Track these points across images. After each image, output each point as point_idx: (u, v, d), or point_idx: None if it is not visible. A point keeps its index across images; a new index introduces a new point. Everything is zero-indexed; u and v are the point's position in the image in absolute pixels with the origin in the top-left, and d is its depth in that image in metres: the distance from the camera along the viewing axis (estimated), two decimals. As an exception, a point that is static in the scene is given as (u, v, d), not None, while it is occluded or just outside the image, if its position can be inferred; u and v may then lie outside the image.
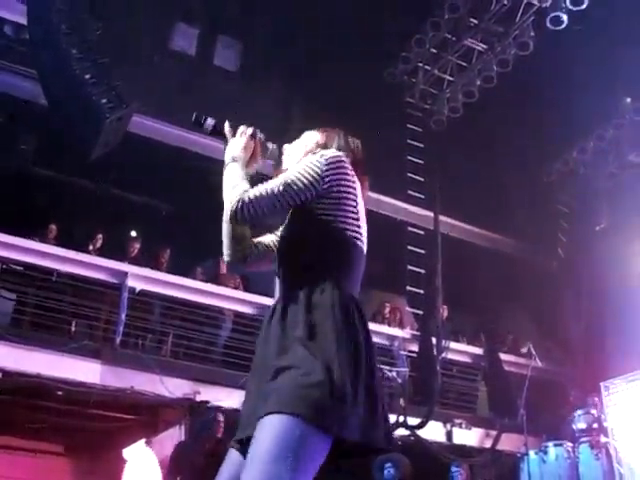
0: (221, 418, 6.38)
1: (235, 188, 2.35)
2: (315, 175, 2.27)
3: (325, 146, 2.47)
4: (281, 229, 2.48)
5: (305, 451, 1.95)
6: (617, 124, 10.42)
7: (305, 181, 2.26)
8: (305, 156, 2.45)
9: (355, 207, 2.32)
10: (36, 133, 9.88)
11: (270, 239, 2.56)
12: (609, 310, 9.96)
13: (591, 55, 8.80)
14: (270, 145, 2.54)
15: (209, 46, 10.31)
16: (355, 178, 2.35)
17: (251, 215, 2.28)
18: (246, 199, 2.28)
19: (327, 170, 2.28)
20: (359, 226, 2.33)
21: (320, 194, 2.27)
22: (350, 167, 2.35)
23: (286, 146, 2.57)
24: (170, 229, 10.94)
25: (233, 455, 2.24)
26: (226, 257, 2.55)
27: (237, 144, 2.47)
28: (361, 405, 2.03)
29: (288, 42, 9.35)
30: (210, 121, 2.55)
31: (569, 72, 9.13)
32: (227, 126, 2.55)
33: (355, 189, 2.33)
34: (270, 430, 1.95)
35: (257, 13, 9.15)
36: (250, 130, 2.51)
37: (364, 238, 2.36)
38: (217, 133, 2.53)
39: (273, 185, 2.28)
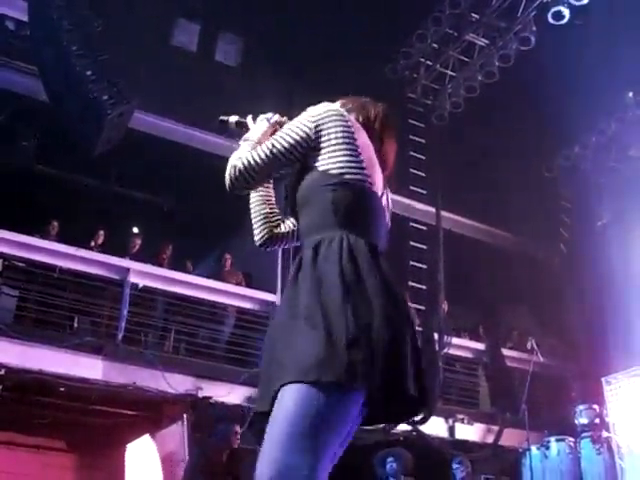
0: (237, 429, 6.20)
1: (229, 160, 2.34)
2: (303, 128, 2.24)
3: None
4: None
5: (325, 418, 1.89)
6: (619, 118, 10.40)
7: (293, 135, 2.23)
8: None
9: (357, 154, 2.23)
10: (38, 130, 9.88)
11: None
12: (611, 305, 9.96)
13: (593, 49, 8.79)
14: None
15: (210, 42, 10.30)
16: (355, 129, 2.27)
17: (246, 179, 2.28)
18: (238, 165, 2.27)
19: (316, 121, 2.24)
20: (367, 173, 2.24)
21: (312, 146, 2.23)
22: (349, 120, 2.29)
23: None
24: (172, 225, 10.95)
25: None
26: (256, 239, 2.55)
27: (256, 128, 2.47)
28: (380, 357, 1.94)
29: (289, 38, 9.34)
30: (233, 117, 2.58)
31: (571, 67, 9.11)
32: (250, 119, 2.55)
33: (355, 139, 2.25)
34: (285, 406, 1.90)
35: (258, 9, 9.13)
36: (270, 115, 2.51)
37: (376, 183, 2.28)
38: (242, 126, 2.55)
39: (262, 147, 2.27)
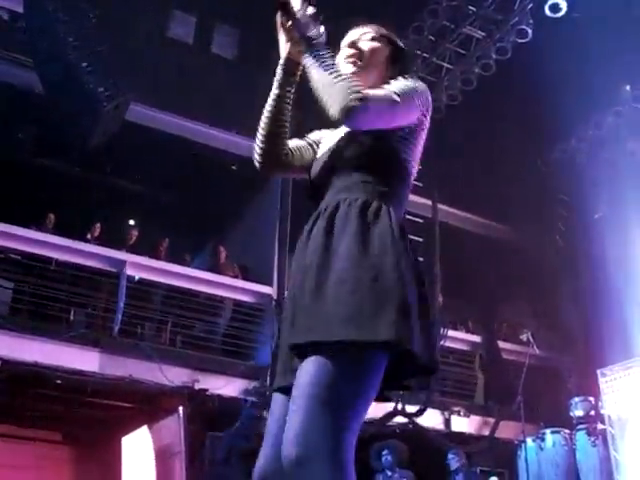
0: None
1: (342, 77, 2.01)
2: (418, 102, 2.15)
3: (396, 68, 2.32)
4: (338, 138, 2.24)
5: (361, 372, 1.82)
6: (616, 112, 10.39)
7: (416, 102, 2.13)
8: (375, 65, 2.28)
9: (420, 149, 2.22)
10: (33, 122, 9.85)
11: (303, 144, 2.35)
12: (607, 298, 9.97)
13: (590, 42, 8.77)
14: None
15: (207, 34, 10.27)
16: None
17: (370, 118, 2.01)
18: (368, 97, 1.97)
19: (422, 104, 2.17)
20: (415, 169, 2.22)
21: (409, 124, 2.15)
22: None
23: (351, 32, 2.39)
24: (168, 218, 10.94)
25: (279, 399, 2.06)
26: (257, 158, 2.31)
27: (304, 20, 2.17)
28: (419, 322, 1.91)
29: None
30: None
31: (568, 60, 9.10)
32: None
33: (423, 139, 2.22)
34: (314, 366, 1.81)
35: (255, 1, 9.09)
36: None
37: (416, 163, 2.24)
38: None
39: (388, 93, 2.05)
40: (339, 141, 2.22)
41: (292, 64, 2.24)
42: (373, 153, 2.13)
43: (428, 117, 2.23)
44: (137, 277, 9.05)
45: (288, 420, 1.81)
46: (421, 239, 10.68)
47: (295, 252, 2.15)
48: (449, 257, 10.57)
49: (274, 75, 2.26)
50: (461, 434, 9.79)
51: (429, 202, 10.94)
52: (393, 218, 2.03)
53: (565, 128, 10.82)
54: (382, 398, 2.05)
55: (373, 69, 2.28)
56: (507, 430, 9.51)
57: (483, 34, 9.56)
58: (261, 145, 2.29)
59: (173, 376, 8.21)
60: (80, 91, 7.83)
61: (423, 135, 2.23)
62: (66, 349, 7.89)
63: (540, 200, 11.52)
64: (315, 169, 2.26)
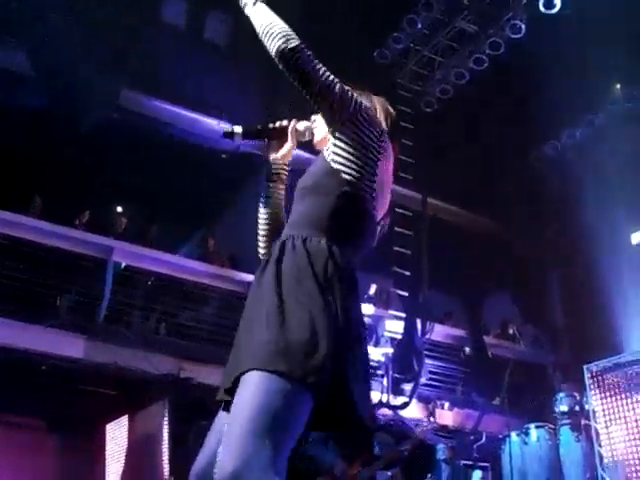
0: None
1: (281, 28, 2.17)
2: (350, 99, 2.18)
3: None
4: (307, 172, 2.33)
5: (287, 411, 1.87)
6: (608, 111, 10.42)
7: (343, 91, 2.17)
8: None
9: (374, 172, 2.21)
10: (23, 105, 9.77)
11: (300, 128, 2.44)
12: (594, 294, 10.02)
13: (581, 40, 8.79)
14: (302, 126, 2.43)
15: (199, 20, 10.20)
16: (385, 143, 2.26)
17: (297, 63, 2.11)
18: (300, 47, 2.13)
19: (362, 117, 2.20)
20: (375, 197, 2.22)
21: (349, 117, 2.17)
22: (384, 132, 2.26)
23: (314, 117, 2.44)
24: (157, 206, 10.90)
25: (221, 416, 2.16)
26: (261, 253, 2.45)
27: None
28: (348, 367, 1.97)
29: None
30: (238, 129, 2.38)
31: (560, 57, 9.12)
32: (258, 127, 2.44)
33: (380, 153, 2.23)
34: (248, 392, 1.88)
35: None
36: (285, 122, 2.42)
37: (378, 210, 2.26)
38: (248, 137, 2.41)
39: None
40: (305, 176, 2.30)
41: (280, 165, 2.44)
42: (320, 182, 2.18)
43: (380, 149, 2.24)
44: (124, 264, 9.01)
45: (224, 441, 1.88)
46: (410, 232, 10.71)
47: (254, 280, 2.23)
48: (437, 251, 10.58)
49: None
50: (445, 427, 9.83)
51: (419, 196, 10.94)
52: (332, 256, 2.07)
53: (556, 125, 10.86)
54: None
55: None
56: (491, 424, 9.55)
57: (476, 29, 9.56)
58: (264, 239, 2.45)
59: (158, 364, 8.19)
60: (71, 75, 7.79)
61: (378, 170, 2.23)
62: (52, 335, 7.85)
63: (530, 196, 11.55)
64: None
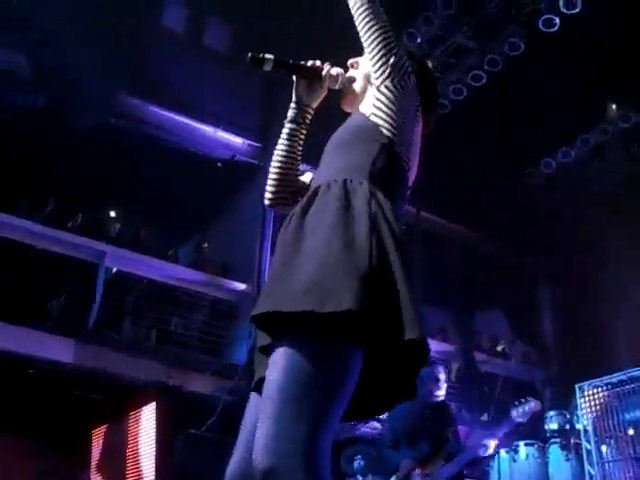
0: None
1: None
2: (404, 63, 2.23)
3: None
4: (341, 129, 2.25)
5: (335, 366, 1.70)
6: (602, 130, 10.45)
7: (399, 54, 2.22)
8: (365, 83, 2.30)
9: (411, 134, 2.20)
10: (18, 106, 9.75)
11: (306, 180, 2.33)
12: (585, 313, 10.03)
13: (577, 59, 8.84)
14: (335, 71, 2.33)
15: (198, 26, 10.19)
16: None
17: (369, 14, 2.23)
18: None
19: (401, 65, 2.22)
20: (409, 154, 2.18)
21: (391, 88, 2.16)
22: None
23: (351, 61, 2.39)
24: (152, 211, 10.87)
25: (254, 397, 1.98)
26: (269, 196, 2.29)
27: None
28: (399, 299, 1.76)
29: (279, 27, 9.26)
30: (269, 56, 2.20)
31: (556, 75, 9.17)
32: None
33: (417, 124, 2.24)
34: (278, 364, 1.70)
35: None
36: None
37: (410, 172, 2.21)
38: (280, 68, 2.24)
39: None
40: (335, 133, 2.24)
41: (305, 107, 2.32)
42: (359, 133, 2.13)
43: (417, 103, 2.25)
44: (115, 269, 8.98)
45: (259, 424, 1.69)
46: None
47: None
48: (429, 265, 10.58)
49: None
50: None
51: (412, 209, 10.95)
52: (374, 196, 1.94)
53: (551, 143, 10.88)
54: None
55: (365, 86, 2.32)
56: (479, 441, 9.51)
57: (475, 45, 9.59)
58: (274, 183, 2.30)
59: (147, 370, 8.15)
60: (68, 79, 7.78)
61: (414, 123, 2.22)
62: (41, 338, 7.81)
63: (523, 213, 11.56)
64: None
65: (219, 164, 10.63)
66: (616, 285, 9.89)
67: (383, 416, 5.74)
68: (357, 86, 2.31)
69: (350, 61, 2.39)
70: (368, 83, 2.26)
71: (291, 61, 2.27)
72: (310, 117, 2.32)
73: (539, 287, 12.59)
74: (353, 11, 2.25)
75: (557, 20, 8.32)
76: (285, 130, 2.31)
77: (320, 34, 8.72)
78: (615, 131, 10.26)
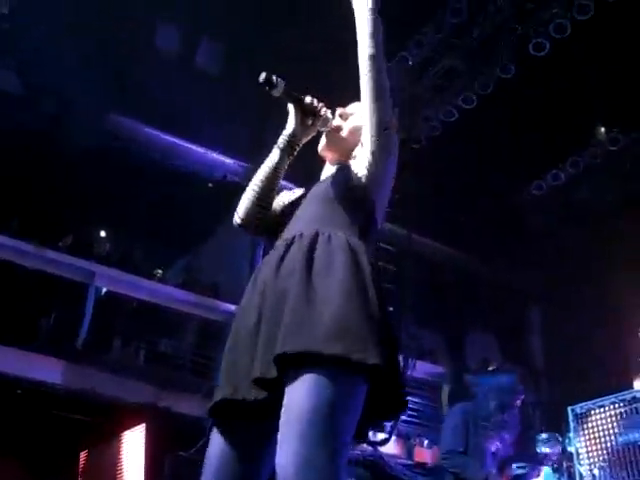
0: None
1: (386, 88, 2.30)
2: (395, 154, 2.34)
3: None
4: (324, 179, 2.39)
5: (350, 402, 1.84)
6: (591, 153, 10.51)
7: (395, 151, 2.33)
8: (357, 137, 2.40)
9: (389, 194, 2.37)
10: (7, 124, 9.74)
11: (276, 205, 2.41)
12: (576, 333, 10.04)
13: (566, 82, 8.92)
14: (329, 114, 2.43)
15: (191, 46, 10.22)
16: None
17: (391, 137, 2.30)
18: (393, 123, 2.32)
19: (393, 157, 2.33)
20: (382, 212, 2.34)
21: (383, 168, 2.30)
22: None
23: (340, 110, 2.48)
24: (142, 232, 10.85)
25: (217, 438, 2.02)
26: (239, 215, 2.35)
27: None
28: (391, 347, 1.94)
29: (273, 46, 9.31)
30: (281, 81, 2.26)
31: (545, 97, 9.24)
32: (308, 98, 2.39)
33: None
34: (303, 391, 1.80)
35: (241, 14, 9.08)
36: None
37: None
38: (287, 96, 2.33)
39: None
40: (320, 182, 2.36)
41: (295, 139, 2.40)
42: (349, 196, 2.23)
43: (393, 173, 2.38)
44: (104, 289, 8.94)
45: (283, 446, 1.77)
46: (394, 268, 10.71)
47: (256, 275, 2.17)
48: (420, 287, 10.58)
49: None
50: (424, 465, 9.75)
51: (404, 231, 10.96)
52: (369, 254, 2.09)
53: (542, 166, 10.94)
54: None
55: (349, 139, 2.45)
56: (470, 463, 9.48)
57: (466, 67, 9.65)
58: (249, 204, 2.35)
59: (137, 392, 8.09)
60: (59, 98, 7.79)
61: (390, 184, 2.37)
62: (29, 359, 7.75)
63: (513, 235, 11.60)
64: (286, 201, 2.39)
65: (210, 185, 10.64)
66: (607, 306, 9.91)
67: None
68: (344, 139, 2.44)
69: (339, 111, 2.47)
70: (359, 142, 2.37)
71: (296, 93, 2.34)
72: (297, 149, 2.41)
73: (529, 308, 12.60)
74: (362, 77, 2.30)
75: (547, 44, 8.39)
76: (271, 156, 2.38)
77: (312, 49, 8.79)
78: (604, 153, 10.32)
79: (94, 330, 8.58)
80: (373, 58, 2.28)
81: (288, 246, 2.10)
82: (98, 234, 10.96)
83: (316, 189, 2.33)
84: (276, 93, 2.26)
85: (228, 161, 10.60)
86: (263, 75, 2.23)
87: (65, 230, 9.42)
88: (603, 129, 10.53)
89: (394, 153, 2.32)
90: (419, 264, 10.96)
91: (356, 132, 2.41)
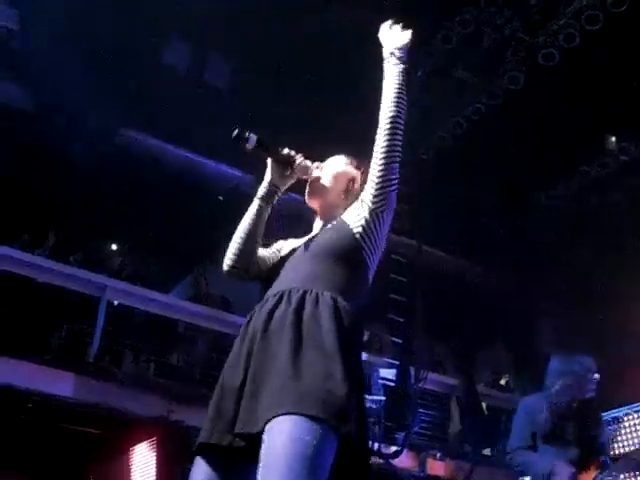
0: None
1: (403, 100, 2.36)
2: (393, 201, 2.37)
3: (358, 189, 2.48)
4: (318, 233, 2.45)
5: (324, 458, 1.90)
6: (602, 163, 10.47)
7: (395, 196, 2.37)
8: (339, 190, 2.49)
9: (382, 249, 2.41)
10: (18, 139, 9.81)
11: (268, 252, 2.55)
12: (587, 345, 9.97)
13: (577, 91, 8.90)
14: (307, 164, 2.55)
15: (200, 62, 10.28)
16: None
17: (391, 195, 2.33)
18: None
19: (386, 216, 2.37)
20: (375, 265, 2.40)
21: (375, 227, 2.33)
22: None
23: (317, 164, 2.56)
24: (152, 245, 10.88)
25: (202, 465, 2.16)
26: (229, 263, 2.50)
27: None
28: (362, 418, 2.04)
29: (279, 62, 9.34)
30: (253, 136, 2.40)
31: (555, 108, 9.22)
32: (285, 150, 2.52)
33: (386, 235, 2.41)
34: (285, 437, 1.87)
35: (249, 31, 9.13)
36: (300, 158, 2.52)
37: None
38: (260, 149, 2.44)
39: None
40: (312, 236, 2.43)
41: (274, 188, 2.52)
42: (341, 254, 2.28)
43: (386, 231, 2.41)
44: (116, 302, 8.95)
45: None
46: (405, 279, 10.68)
47: (248, 322, 2.30)
48: (432, 299, 10.54)
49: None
50: (436, 478, 9.68)
51: (414, 242, 10.94)
52: (354, 315, 2.17)
53: (552, 175, 10.92)
54: None
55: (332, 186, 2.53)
56: (484, 475, 9.42)
57: (475, 79, 9.65)
58: (235, 253, 2.48)
59: (148, 405, 8.08)
60: (69, 112, 7.84)
61: (384, 241, 2.41)
62: (40, 372, 7.75)
63: (524, 246, 11.55)
64: (278, 255, 2.50)
65: (220, 197, 10.66)
66: (619, 316, 9.84)
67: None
68: (326, 187, 2.51)
69: (316, 164, 2.56)
70: (343, 189, 2.48)
71: (271, 145, 2.45)
72: (277, 197, 2.52)
73: (542, 320, 12.53)
74: (381, 125, 2.36)
75: (557, 54, 8.39)
76: (253, 205, 2.51)
77: (320, 66, 8.81)
78: (615, 164, 10.28)
79: (105, 343, 8.59)
80: (394, 119, 2.34)
81: (277, 302, 2.20)
82: (109, 248, 10.99)
83: (308, 244, 2.38)
84: (249, 146, 2.37)
85: (238, 174, 10.63)
86: (235, 131, 2.36)
87: (76, 244, 9.45)
88: (614, 138, 10.50)
89: (392, 207, 2.36)
90: (429, 275, 10.93)
91: (338, 177, 2.50)
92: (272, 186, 2.51)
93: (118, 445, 8.54)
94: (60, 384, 7.82)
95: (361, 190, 2.44)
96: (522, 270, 11.74)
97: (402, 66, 2.41)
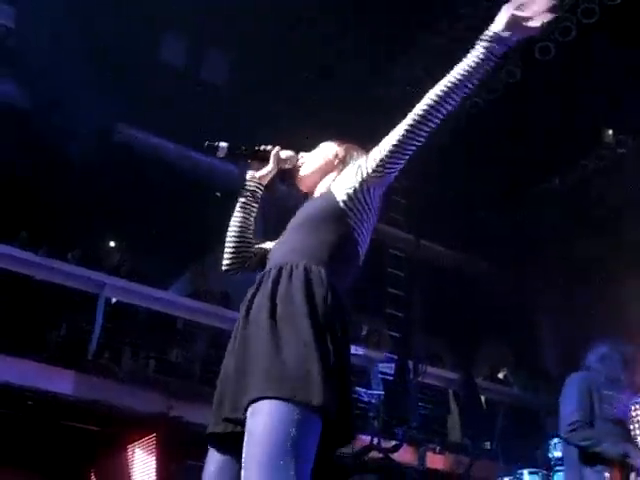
0: None
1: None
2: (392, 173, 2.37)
3: (344, 160, 2.54)
4: (308, 205, 2.47)
5: (306, 439, 1.93)
6: (599, 156, 10.48)
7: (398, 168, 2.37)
8: (324, 165, 2.55)
9: (371, 224, 2.39)
10: (16, 137, 9.80)
11: (267, 247, 2.57)
12: (587, 339, 9.98)
13: (574, 85, 8.90)
14: (285, 154, 2.63)
15: (197, 59, 10.26)
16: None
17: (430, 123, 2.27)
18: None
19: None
20: (365, 245, 2.38)
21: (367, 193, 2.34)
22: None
23: (302, 154, 2.64)
24: (151, 241, 10.87)
25: (214, 453, 2.23)
26: (226, 261, 2.59)
27: None
28: (344, 392, 2.05)
29: (279, 60, 9.34)
30: (223, 144, 2.53)
31: (552, 101, 9.22)
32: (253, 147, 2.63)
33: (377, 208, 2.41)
34: (264, 420, 1.91)
35: (247, 26, 9.12)
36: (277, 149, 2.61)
37: (363, 253, 2.40)
38: (232, 155, 2.57)
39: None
40: (308, 207, 2.45)
41: (256, 183, 2.62)
42: (325, 217, 2.31)
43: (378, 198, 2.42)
44: (114, 300, 8.96)
45: (245, 472, 1.90)
46: (402, 273, 10.70)
47: (240, 312, 2.29)
48: (430, 293, 10.56)
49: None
50: (436, 471, 9.70)
51: (412, 237, 10.95)
52: (331, 286, 2.15)
53: (549, 168, 10.92)
54: None
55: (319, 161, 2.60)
56: (483, 469, 9.44)
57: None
58: (231, 251, 2.59)
59: (147, 401, 8.09)
60: (67, 110, 7.83)
61: (372, 225, 2.40)
62: (40, 370, 7.76)
63: (522, 240, 11.57)
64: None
65: (218, 194, 10.66)
66: (617, 313, 9.86)
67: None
68: (312, 163, 2.59)
69: (300, 154, 2.65)
70: (339, 163, 2.53)
71: (244, 147, 2.57)
72: (261, 191, 2.61)
73: (541, 315, 12.55)
74: (421, 102, 2.32)
75: (553, 47, 8.39)
76: (239, 202, 2.62)
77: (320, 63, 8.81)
78: (612, 156, 10.29)
79: (104, 341, 8.60)
80: (436, 104, 2.29)
81: (258, 286, 2.25)
82: (107, 245, 10.98)
83: (299, 213, 2.44)
84: (221, 154, 2.51)
85: (235, 170, 10.62)
86: (206, 143, 2.49)
87: (74, 241, 9.44)
88: (611, 131, 10.50)
89: (384, 184, 2.37)
90: (428, 269, 10.95)
91: (322, 152, 2.58)
92: (253, 181, 2.61)
93: (118, 442, 8.54)
94: (60, 381, 7.82)
95: (350, 158, 2.52)
96: (521, 264, 11.75)
97: (489, 54, 2.21)
